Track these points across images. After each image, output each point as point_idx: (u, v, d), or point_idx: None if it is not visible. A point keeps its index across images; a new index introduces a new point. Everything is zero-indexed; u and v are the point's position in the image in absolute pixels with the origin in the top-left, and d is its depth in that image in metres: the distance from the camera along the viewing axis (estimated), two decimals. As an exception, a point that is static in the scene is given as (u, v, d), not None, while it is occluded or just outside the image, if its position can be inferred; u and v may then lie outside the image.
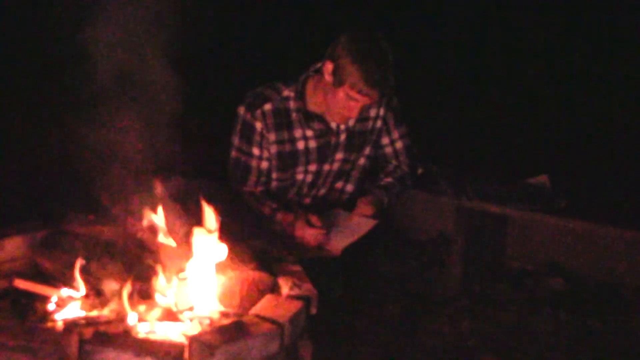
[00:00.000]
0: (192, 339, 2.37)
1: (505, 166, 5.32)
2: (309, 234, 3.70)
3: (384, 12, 7.05)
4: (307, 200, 4.06)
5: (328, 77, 3.64)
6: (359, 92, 3.58)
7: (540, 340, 3.95)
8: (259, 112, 3.82)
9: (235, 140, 3.90)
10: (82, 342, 2.31)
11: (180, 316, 2.68)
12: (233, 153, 3.92)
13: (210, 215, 2.85)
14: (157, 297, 2.75)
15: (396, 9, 7.24)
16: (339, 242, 3.70)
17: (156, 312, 2.68)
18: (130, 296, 2.70)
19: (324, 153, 3.93)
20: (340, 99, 3.64)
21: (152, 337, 2.55)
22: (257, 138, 3.85)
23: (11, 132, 5.24)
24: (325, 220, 3.78)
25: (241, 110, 3.86)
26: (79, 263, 2.79)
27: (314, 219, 3.73)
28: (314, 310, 2.83)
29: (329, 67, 3.63)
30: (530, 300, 4.40)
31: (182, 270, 2.81)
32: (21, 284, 2.80)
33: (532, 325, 4.10)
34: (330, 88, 3.66)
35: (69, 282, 2.78)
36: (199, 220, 2.86)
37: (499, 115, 6.72)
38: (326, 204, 4.06)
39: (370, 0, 7.28)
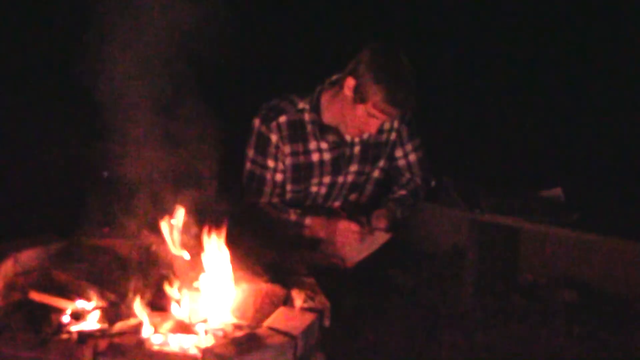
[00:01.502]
0: (206, 351, 2.38)
1: (518, 178, 5.31)
2: (354, 228, 3.72)
3: (394, 21, 7.07)
4: (321, 213, 4.07)
5: (349, 93, 3.65)
6: (382, 111, 3.59)
7: (554, 353, 3.93)
8: (274, 124, 3.83)
9: (250, 153, 3.91)
10: (96, 354, 2.32)
11: (194, 328, 2.69)
12: (248, 165, 3.93)
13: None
14: (171, 309, 2.76)
15: (407, 18, 7.26)
16: (353, 256, 3.71)
17: (170, 324, 2.69)
18: (144, 308, 2.71)
19: (338, 165, 3.94)
20: (360, 115, 3.64)
21: (166, 349, 2.56)
22: (272, 150, 3.86)
23: (27, 145, 5.26)
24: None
25: (256, 122, 3.88)
26: (93, 275, 2.81)
27: (358, 217, 3.77)
28: (327, 323, 2.83)
29: (350, 83, 3.63)
30: (544, 313, 4.39)
31: (195, 282, 2.83)
32: (36, 296, 2.81)
33: (546, 338, 4.09)
34: (349, 103, 3.66)
35: (83, 295, 2.80)
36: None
37: (513, 127, 6.72)
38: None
39: (377, 11, 7.28)
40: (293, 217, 3.87)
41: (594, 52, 6.84)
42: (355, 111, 3.65)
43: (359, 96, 3.60)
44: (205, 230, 2.88)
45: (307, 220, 3.87)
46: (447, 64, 7.21)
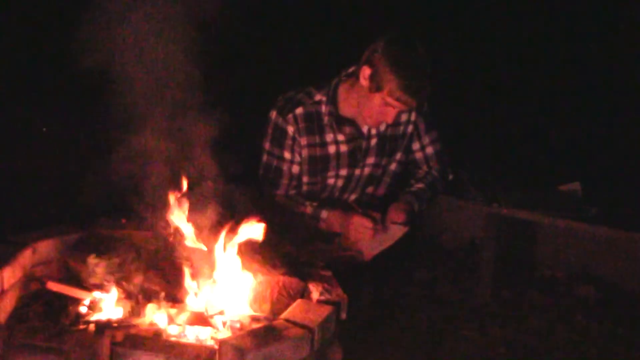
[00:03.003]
0: (223, 343, 2.37)
1: (536, 173, 5.29)
2: (367, 225, 3.71)
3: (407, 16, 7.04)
4: (338, 206, 4.06)
5: (364, 82, 3.64)
6: (397, 99, 3.57)
7: (571, 348, 3.93)
8: (290, 116, 3.82)
9: (267, 145, 3.90)
10: (113, 344, 2.32)
11: (211, 320, 2.69)
12: (264, 157, 3.92)
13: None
14: (188, 300, 2.76)
15: (426, 9, 7.23)
16: (370, 249, 3.69)
17: (187, 316, 2.69)
18: (162, 299, 2.71)
19: (354, 157, 3.92)
20: (376, 104, 3.63)
21: (183, 340, 2.56)
22: (288, 142, 3.85)
23: (44, 136, 5.28)
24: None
25: (273, 114, 3.87)
26: (111, 266, 2.82)
27: (372, 213, 3.76)
28: (344, 316, 2.82)
29: (366, 71, 3.62)
30: (561, 308, 4.38)
31: (213, 274, 2.82)
32: (54, 286, 2.82)
33: (562, 333, 4.08)
34: (366, 92, 3.65)
35: (100, 285, 2.80)
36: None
37: (531, 121, 6.69)
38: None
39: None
40: (309, 210, 3.87)
41: (614, 47, 6.80)
42: (372, 100, 3.64)
43: (375, 84, 3.59)
44: (224, 221, 2.88)
45: (323, 214, 3.86)
46: (466, 56, 7.18)
